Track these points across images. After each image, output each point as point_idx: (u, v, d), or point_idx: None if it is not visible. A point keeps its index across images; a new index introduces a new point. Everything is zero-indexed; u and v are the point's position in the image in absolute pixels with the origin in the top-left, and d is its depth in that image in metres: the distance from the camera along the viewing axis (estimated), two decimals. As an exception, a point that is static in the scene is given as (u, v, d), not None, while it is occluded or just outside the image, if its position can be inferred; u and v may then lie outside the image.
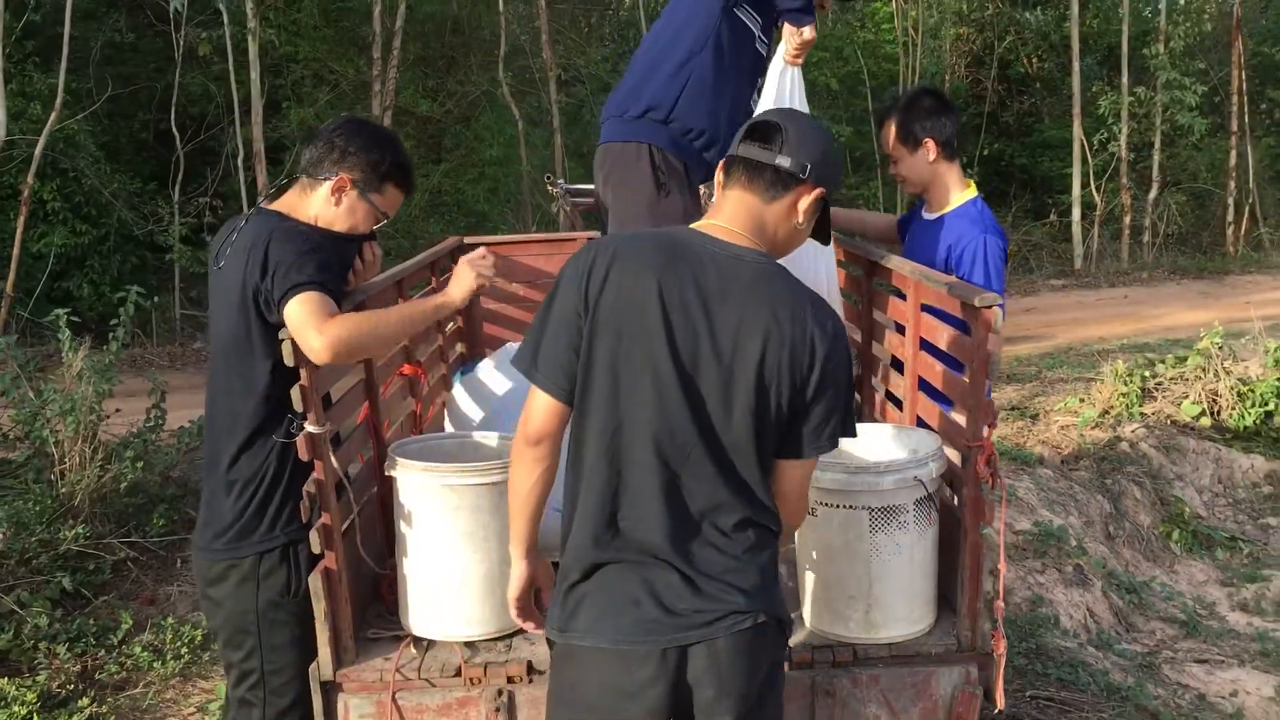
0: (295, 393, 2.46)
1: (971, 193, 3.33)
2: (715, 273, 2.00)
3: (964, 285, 2.66)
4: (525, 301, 4.45)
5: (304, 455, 2.48)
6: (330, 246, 2.61)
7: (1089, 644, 5.06)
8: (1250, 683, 5.02)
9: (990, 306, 2.38)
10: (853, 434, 2.08)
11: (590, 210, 7.37)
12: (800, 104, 3.39)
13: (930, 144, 3.32)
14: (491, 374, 3.44)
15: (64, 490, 4.94)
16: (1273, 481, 7.43)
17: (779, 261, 2.09)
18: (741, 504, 2.01)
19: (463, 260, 2.79)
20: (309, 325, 2.39)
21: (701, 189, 3.51)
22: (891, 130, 3.38)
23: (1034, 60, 18.66)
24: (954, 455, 2.67)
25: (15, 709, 3.81)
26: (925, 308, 2.95)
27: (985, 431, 2.44)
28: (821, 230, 2.18)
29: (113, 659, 4.25)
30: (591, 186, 6.95)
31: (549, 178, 5.42)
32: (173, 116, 11.17)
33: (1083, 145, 15.30)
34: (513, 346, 3.55)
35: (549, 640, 2.11)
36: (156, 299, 10.40)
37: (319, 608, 2.51)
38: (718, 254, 2.02)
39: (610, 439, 2.00)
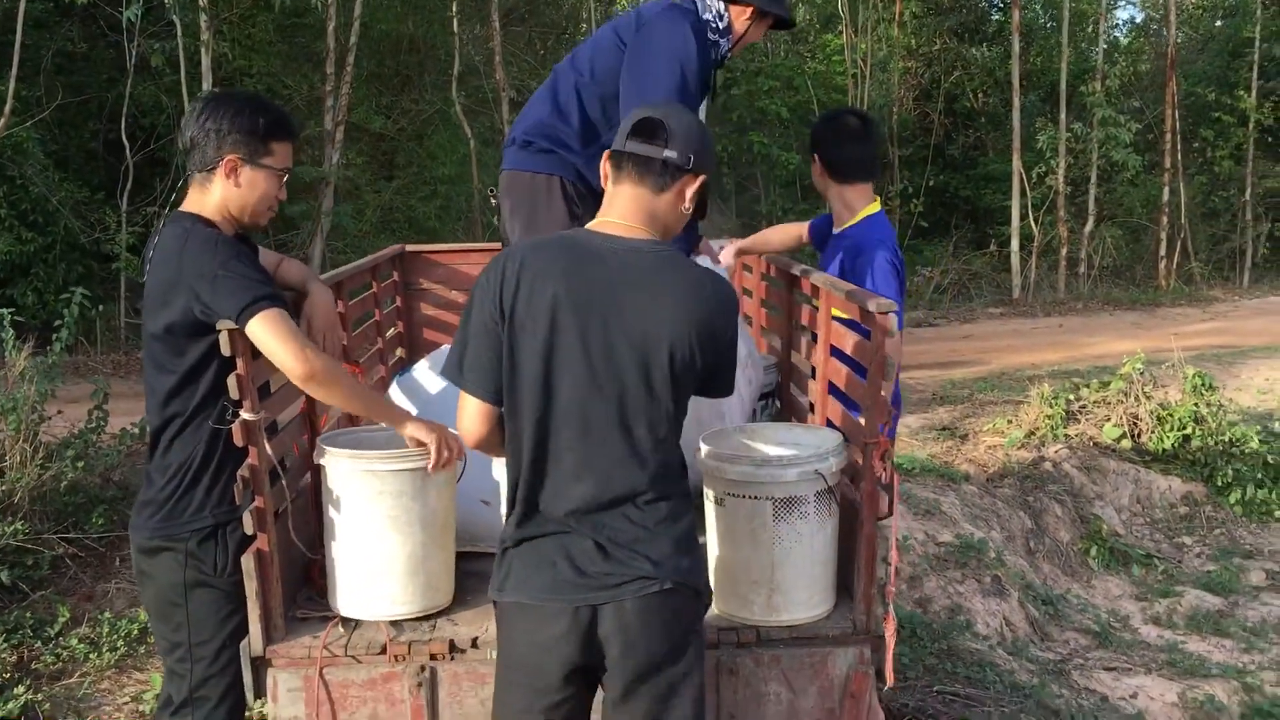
0: (231, 381, 2.59)
1: (876, 207, 3.51)
2: (618, 265, 2.17)
3: (862, 292, 2.85)
4: (463, 308, 4.63)
5: (238, 441, 2.62)
6: (239, 249, 2.69)
7: (1001, 648, 5.27)
8: (1155, 689, 5.25)
9: (886, 312, 2.57)
10: (730, 392, 2.32)
11: None
12: None
13: (814, 159, 3.51)
14: (426, 375, 3.58)
15: (3, 488, 4.99)
16: (1189, 502, 7.71)
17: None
18: (657, 482, 2.18)
19: (444, 429, 2.73)
20: (288, 347, 2.53)
21: None
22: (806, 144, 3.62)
23: (979, 95, 19.13)
24: (858, 454, 2.85)
25: (-51, 696, 3.88)
26: (835, 317, 3.13)
27: (881, 429, 2.62)
28: (700, 211, 2.37)
29: (49, 650, 4.32)
30: None
31: (491, 191, 5.56)
32: (123, 126, 11.20)
33: (1022, 179, 15.71)
34: (445, 348, 3.69)
35: (493, 601, 2.30)
36: (102, 307, 10.42)
37: (250, 586, 2.64)
38: (617, 249, 2.19)
39: (534, 429, 2.18)
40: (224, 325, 2.56)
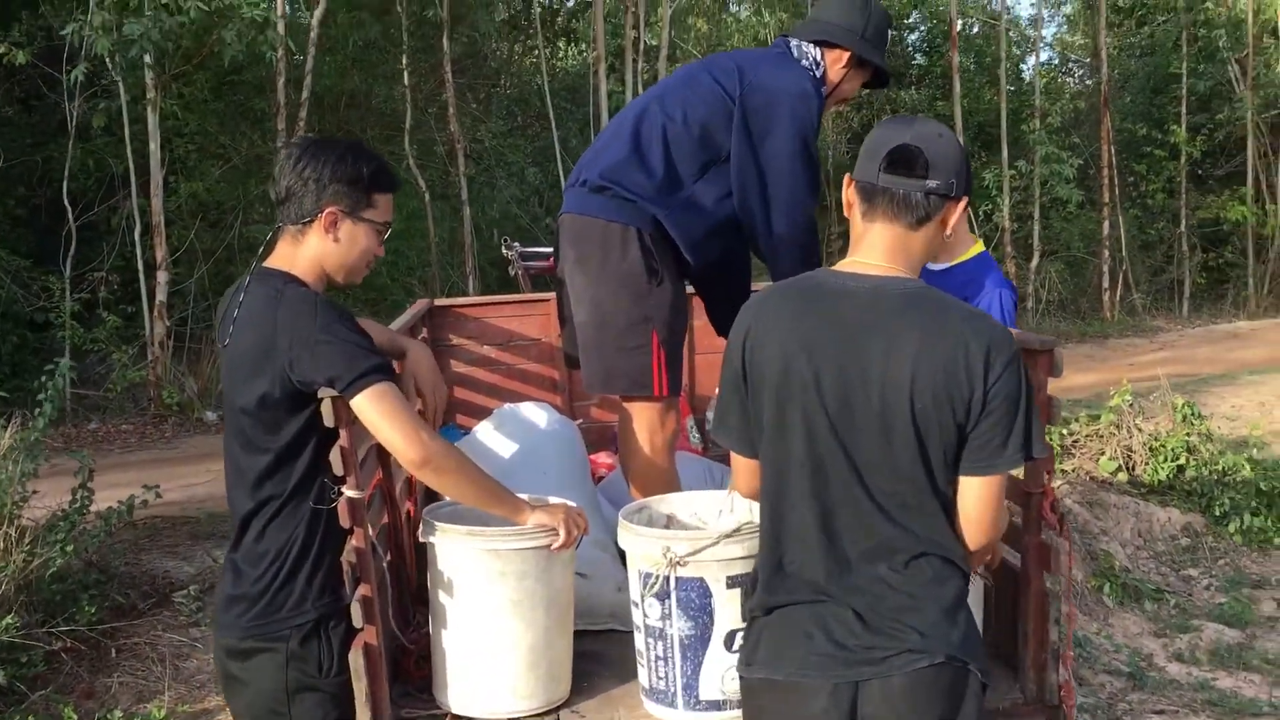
0: (335, 455, 2.32)
1: (980, 246, 3.37)
2: (853, 307, 1.98)
3: (1022, 332, 2.67)
4: (496, 364, 4.37)
5: (345, 522, 2.34)
6: (340, 311, 2.45)
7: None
8: (1210, 731, 5.13)
9: (1050, 350, 2.39)
10: (1040, 451, 2.03)
11: (542, 274, 7.31)
12: None
13: None
14: (492, 436, 3.33)
15: (-10, 579, 4.59)
16: (1189, 533, 7.67)
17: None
18: (912, 538, 1.98)
19: (567, 508, 2.56)
20: (402, 428, 2.32)
21: None
22: None
23: (912, 136, 19.33)
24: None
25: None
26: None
27: (1045, 477, 2.43)
28: None
29: (61, 759, 3.94)
30: (545, 250, 6.92)
31: (506, 240, 5.37)
32: (65, 189, 10.74)
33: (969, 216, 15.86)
34: (510, 408, 3.45)
35: (739, 675, 2.10)
36: (44, 379, 9.88)
37: (359, 687, 2.36)
38: (856, 289, 2.01)
39: (775, 487, 2.02)
40: (326, 394, 2.30)
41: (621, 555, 2.71)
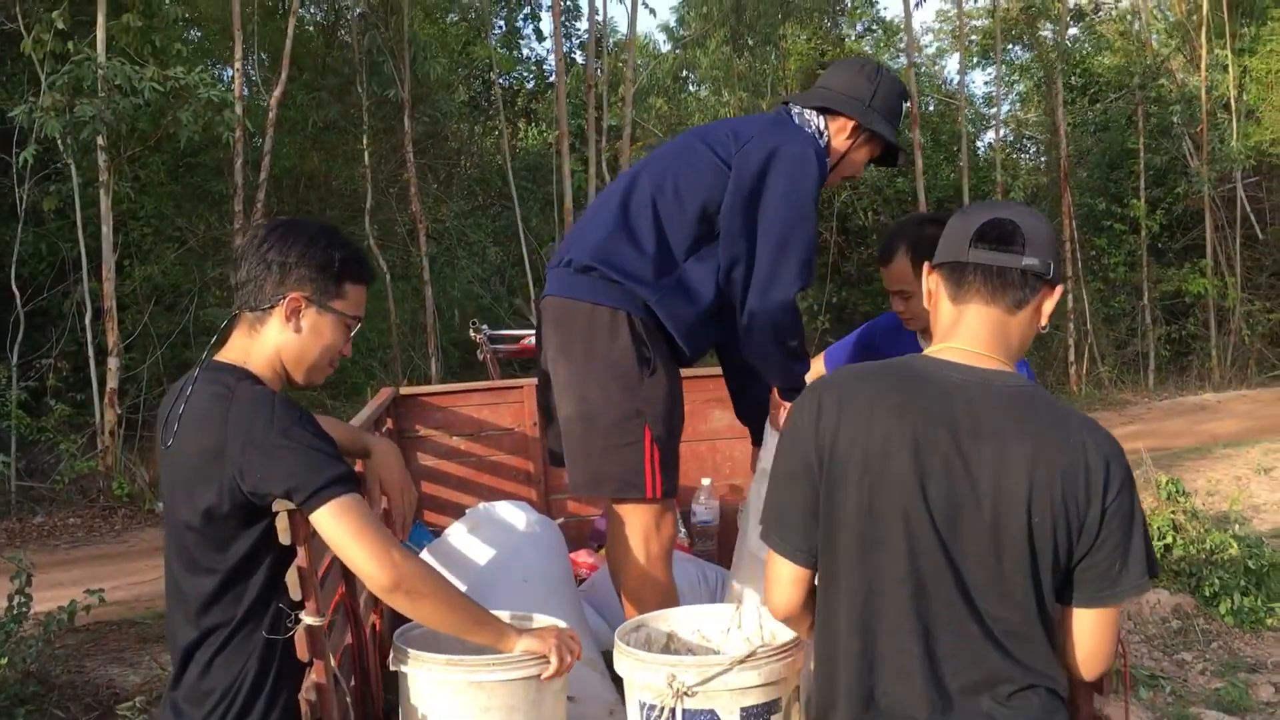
0: (291, 576, 2.04)
1: None
2: (964, 404, 1.73)
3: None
4: (466, 456, 4.10)
5: (303, 654, 2.05)
6: (300, 412, 2.13)
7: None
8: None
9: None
10: (1155, 573, 1.80)
11: (512, 357, 7.08)
12: None
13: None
14: (466, 540, 3.05)
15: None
16: (1180, 615, 7.45)
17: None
18: (1020, 669, 1.72)
19: (559, 632, 2.27)
20: (370, 548, 2.02)
21: None
22: (906, 264, 3.17)
23: (869, 213, 19.44)
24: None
25: None
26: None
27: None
28: None
29: None
30: (515, 333, 6.70)
31: (474, 324, 5.16)
32: (13, 275, 10.41)
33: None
34: (485, 508, 3.18)
35: None
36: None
37: (323, 842, 2.05)
38: (963, 382, 1.76)
39: (862, 605, 1.74)
40: (281, 507, 2.02)
41: (615, 677, 2.43)
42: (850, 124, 2.97)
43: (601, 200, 2.99)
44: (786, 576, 1.84)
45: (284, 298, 2.15)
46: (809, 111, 2.98)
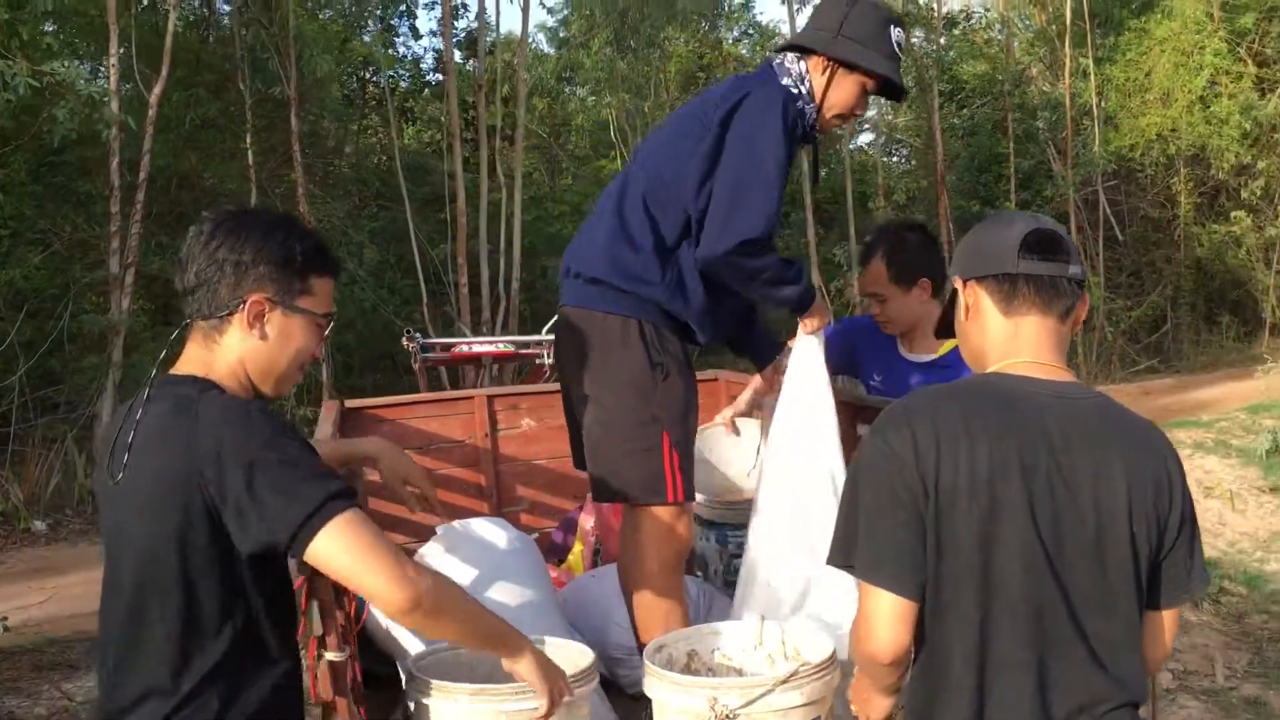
0: (314, 611, 1.91)
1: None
2: (1055, 421, 1.71)
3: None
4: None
5: (325, 693, 1.92)
6: (281, 422, 1.90)
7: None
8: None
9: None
10: (1207, 575, 1.84)
11: (440, 365, 6.88)
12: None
13: (926, 283, 3.16)
14: (444, 559, 2.93)
15: None
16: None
17: None
18: (1116, 686, 1.70)
19: (560, 673, 2.12)
20: (381, 564, 1.80)
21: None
22: (882, 268, 3.18)
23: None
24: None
25: None
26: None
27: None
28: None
29: None
30: (447, 341, 6.52)
31: (407, 331, 4.99)
32: None
33: (822, 292, 16.13)
34: (459, 526, 3.06)
35: None
36: None
37: None
38: (1048, 397, 1.73)
39: (976, 634, 1.67)
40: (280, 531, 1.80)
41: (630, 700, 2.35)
42: (821, 60, 2.84)
43: (599, 205, 2.94)
44: (897, 613, 1.70)
45: (243, 302, 1.90)
46: (789, 58, 2.86)
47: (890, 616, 1.69)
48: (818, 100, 2.84)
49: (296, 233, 1.99)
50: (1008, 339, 1.82)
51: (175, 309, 13.62)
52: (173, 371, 1.94)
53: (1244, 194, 17.06)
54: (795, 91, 2.80)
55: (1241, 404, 11.91)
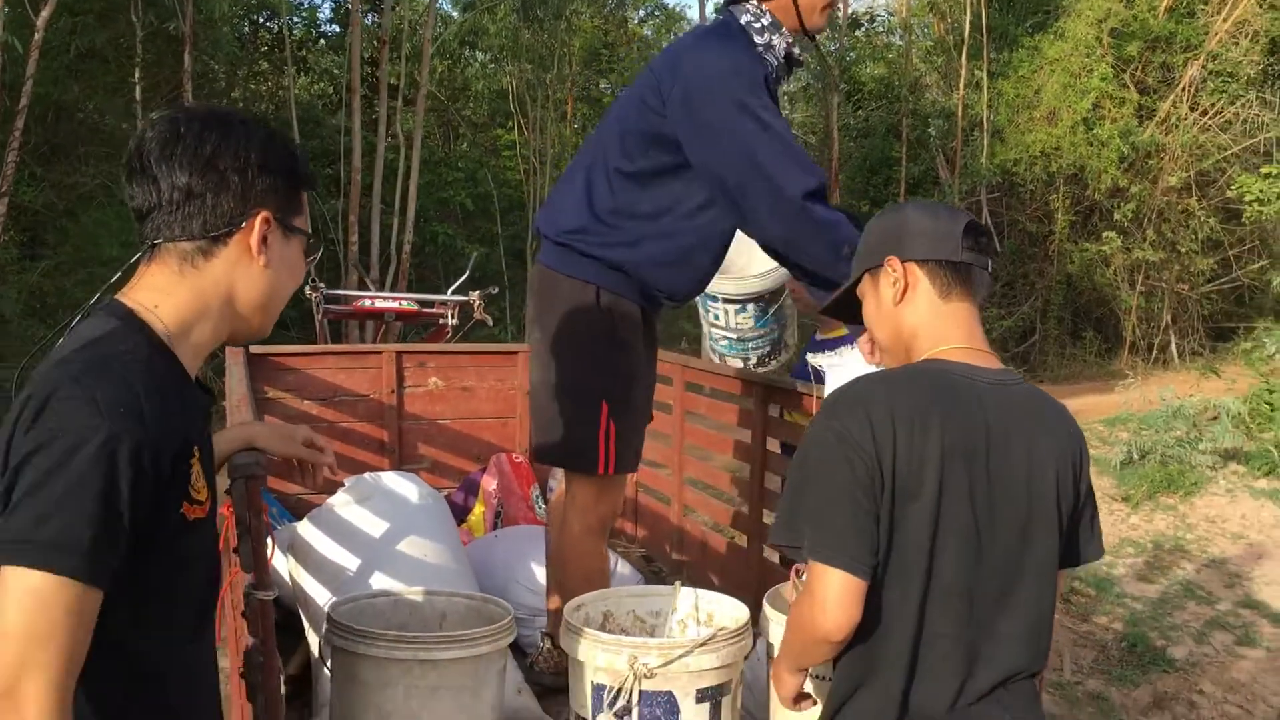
0: (245, 549, 1.88)
1: None
2: (994, 408, 1.78)
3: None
4: (318, 421, 3.89)
5: (256, 632, 1.88)
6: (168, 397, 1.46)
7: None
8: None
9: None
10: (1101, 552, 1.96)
11: (340, 318, 6.70)
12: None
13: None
14: (354, 510, 2.89)
15: None
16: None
17: None
18: (1031, 660, 1.79)
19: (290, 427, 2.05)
20: (18, 657, 1.28)
21: None
22: None
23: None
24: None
25: None
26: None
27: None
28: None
29: None
30: (352, 294, 6.37)
31: (313, 280, 4.84)
32: None
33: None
34: (370, 478, 3.03)
35: None
36: None
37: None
38: (985, 385, 1.80)
39: (914, 613, 1.72)
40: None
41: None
42: None
43: (569, 166, 2.95)
44: (849, 592, 1.69)
45: (249, 217, 1.57)
46: (750, 5, 2.74)
47: (843, 596, 1.69)
48: (786, 24, 2.73)
49: (287, 140, 1.69)
50: (941, 322, 1.88)
51: (44, 241, 13.12)
52: (119, 296, 1.55)
53: (1116, 215, 17.70)
54: (758, 25, 2.70)
55: (1100, 417, 12.37)
